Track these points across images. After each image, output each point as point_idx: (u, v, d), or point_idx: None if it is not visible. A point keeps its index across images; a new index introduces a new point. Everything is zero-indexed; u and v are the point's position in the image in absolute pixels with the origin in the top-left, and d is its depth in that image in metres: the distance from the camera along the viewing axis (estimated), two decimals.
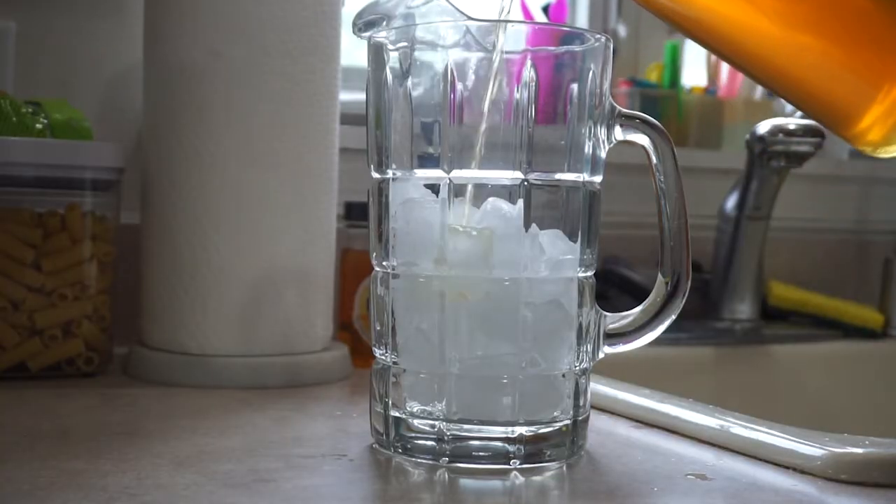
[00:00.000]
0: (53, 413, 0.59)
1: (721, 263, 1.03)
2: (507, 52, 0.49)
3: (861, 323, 1.07)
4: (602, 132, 0.51)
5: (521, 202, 0.48)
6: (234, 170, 0.68)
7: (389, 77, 0.50)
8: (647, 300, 0.52)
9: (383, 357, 0.51)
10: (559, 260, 0.49)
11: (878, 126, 0.41)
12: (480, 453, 0.49)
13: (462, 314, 0.48)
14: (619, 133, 0.51)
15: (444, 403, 0.49)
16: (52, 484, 0.43)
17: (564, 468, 0.49)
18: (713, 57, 1.17)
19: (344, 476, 0.47)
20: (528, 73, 0.48)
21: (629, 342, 0.52)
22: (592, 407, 0.55)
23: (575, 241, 0.50)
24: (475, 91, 0.48)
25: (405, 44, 0.50)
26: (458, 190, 0.49)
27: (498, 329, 0.49)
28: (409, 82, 0.49)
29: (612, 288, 0.99)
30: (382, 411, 0.51)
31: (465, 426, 0.49)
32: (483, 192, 0.49)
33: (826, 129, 0.45)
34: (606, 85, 0.51)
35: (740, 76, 1.16)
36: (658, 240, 0.51)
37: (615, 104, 0.51)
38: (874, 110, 0.40)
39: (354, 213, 0.80)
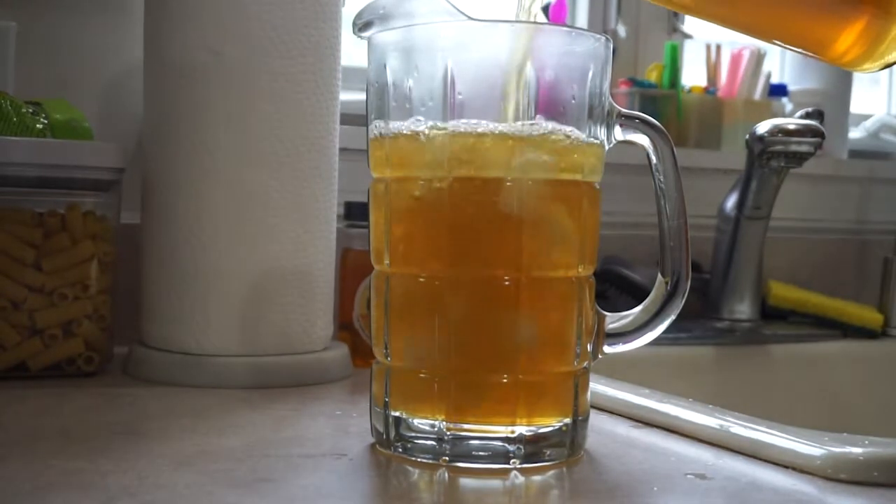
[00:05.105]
0: (53, 413, 0.59)
1: (721, 263, 1.03)
2: None
3: (861, 323, 1.07)
4: (602, 132, 0.51)
5: None
6: (234, 170, 0.68)
7: (389, 77, 0.50)
8: (646, 300, 0.52)
9: (383, 357, 0.51)
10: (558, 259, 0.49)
11: (854, 47, 0.46)
12: (480, 453, 0.49)
13: (462, 314, 0.48)
14: (618, 133, 0.51)
15: (443, 403, 0.49)
16: (52, 484, 0.43)
17: (564, 468, 0.49)
18: (713, 57, 1.17)
19: (344, 476, 0.47)
20: (528, 73, 0.48)
21: (629, 342, 0.52)
22: (592, 407, 0.55)
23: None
24: (476, 91, 0.48)
25: (405, 44, 0.50)
26: None
27: (498, 329, 0.49)
28: (410, 82, 0.49)
29: (612, 288, 0.99)
30: (382, 411, 0.51)
31: (465, 426, 0.49)
32: None
33: (809, 55, 0.49)
34: (606, 85, 0.51)
35: (740, 76, 1.16)
36: (658, 240, 0.51)
37: (615, 104, 0.51)
38: (848, 33, 0.46)
39: (354, 213, 0.80)
